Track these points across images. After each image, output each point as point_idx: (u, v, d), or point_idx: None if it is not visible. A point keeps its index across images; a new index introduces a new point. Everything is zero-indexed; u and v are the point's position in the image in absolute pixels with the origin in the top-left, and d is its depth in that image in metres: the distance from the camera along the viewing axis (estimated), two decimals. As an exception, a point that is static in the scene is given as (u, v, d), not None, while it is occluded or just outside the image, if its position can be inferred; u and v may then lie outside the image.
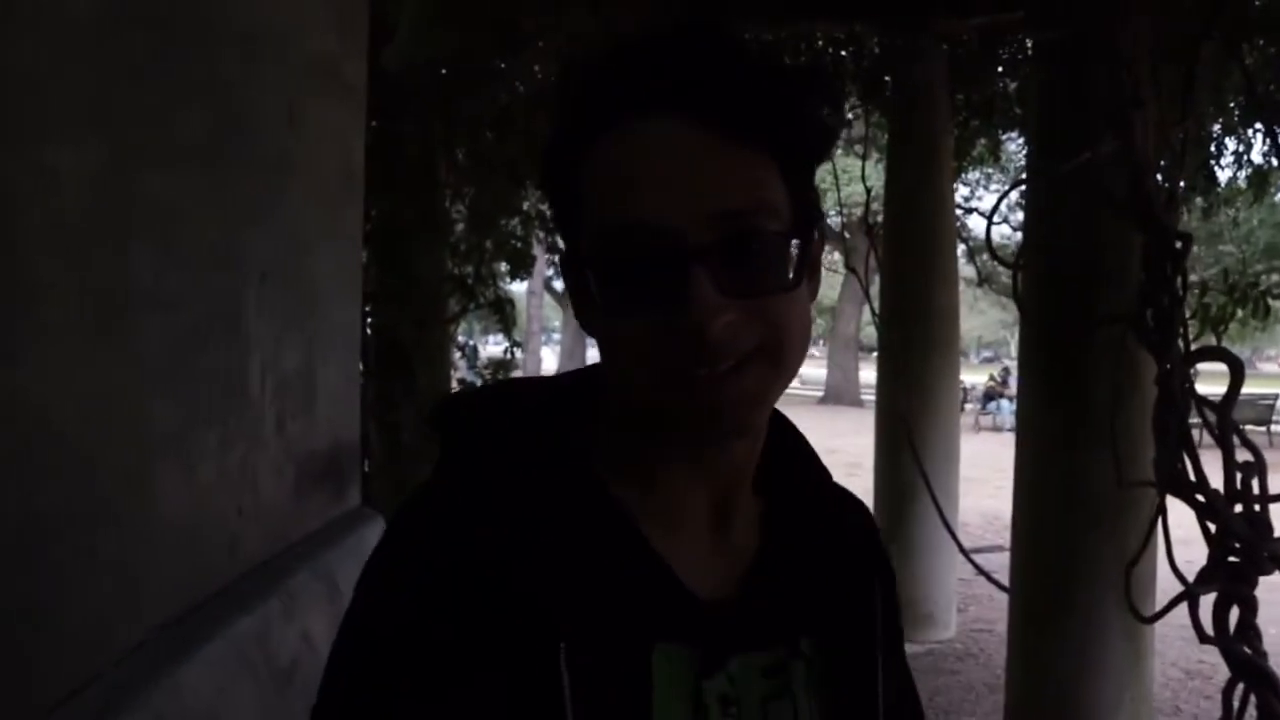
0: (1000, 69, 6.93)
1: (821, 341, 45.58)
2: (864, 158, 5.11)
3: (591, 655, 0.74)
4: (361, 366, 5.58)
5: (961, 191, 19.44)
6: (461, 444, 0.83)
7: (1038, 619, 3.78)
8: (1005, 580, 4.05)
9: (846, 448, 16.41)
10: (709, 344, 0.71)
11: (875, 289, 5.50)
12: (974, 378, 27.72)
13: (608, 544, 0.79)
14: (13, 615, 1.62)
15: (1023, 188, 4.24)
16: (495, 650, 0.73)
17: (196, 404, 2.37)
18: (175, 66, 2.21)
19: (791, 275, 0.76)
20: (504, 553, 0.75)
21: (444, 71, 5.19)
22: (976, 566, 3.94)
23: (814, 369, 44.82)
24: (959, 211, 17.02)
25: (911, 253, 6.38)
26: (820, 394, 31.78)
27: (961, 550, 4.10)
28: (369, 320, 5.63)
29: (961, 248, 17.94)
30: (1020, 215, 16.18)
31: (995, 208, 3.67)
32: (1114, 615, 3.55)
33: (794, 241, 0.76)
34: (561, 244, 0.86)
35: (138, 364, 2.05)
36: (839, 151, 15.68)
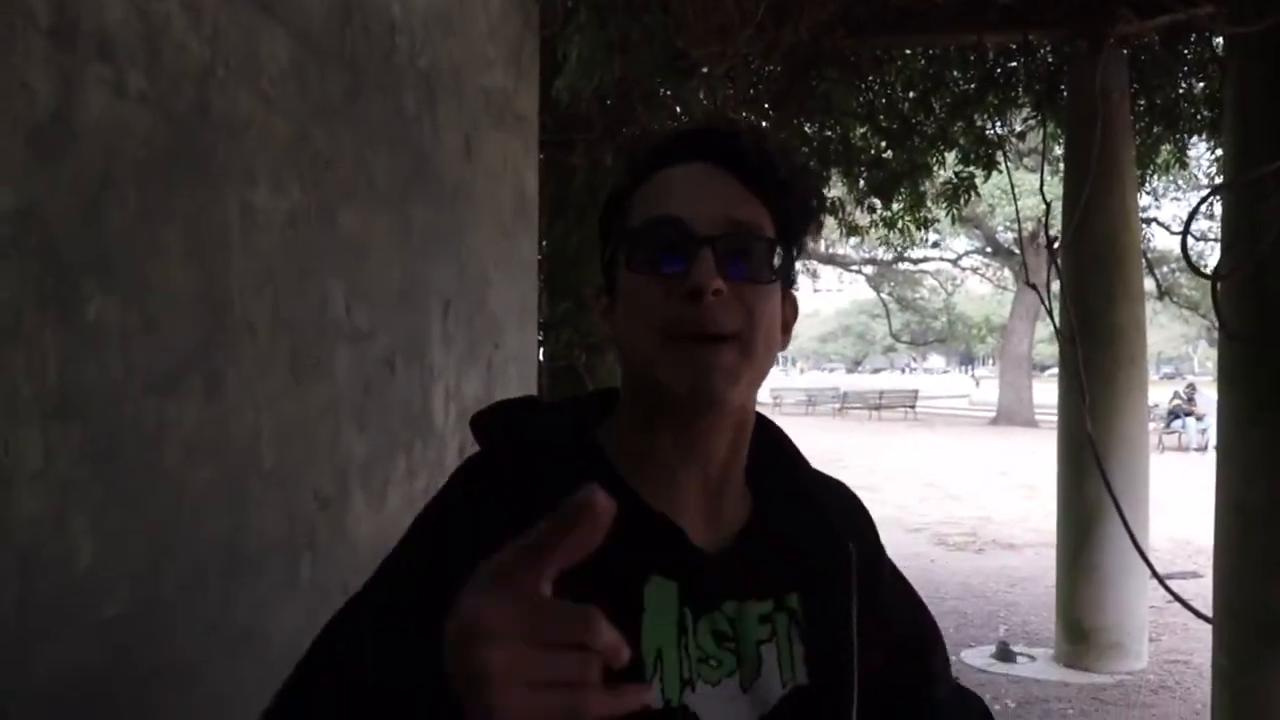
0: (1185, 70, 6.60)
1: (992, 361, 44.30)
2: (1041, 169, 4.92)
3: (587, 582, 0.83)
4: (536, 392, 5.70)
5: (1142, 201, 18.62)
6: (491, 435, 1.02)
7: (1246, 654, 3.52)
8: (1202, 608, 3.81)
9: (1019, 469, 15.88)
10: (705, 305, 0.91)
11: (1055, 306, 5.29)
12: (1156, 395, 26.45)
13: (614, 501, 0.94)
14: (228, 637, 1.70)
15: (1217, 196, 4.01)
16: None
17: (385, 433, 2.45)
18: (366, 108, 2.30)
19: (772, 274, 0.97)
20: (517, 499, 0.87)
21: (610, 101, 5.26)
22: (1172, 594, 3.71)
23: (976, 389, 43.67)
24: (1143, 222, 16.32)
25: (1093, 267, 6.09)
26: (992, 414, 30.85)
27: (1156, 576, 3.87)
28: (542, 347, 5.74)
29: (1142, 260, 17.21)
30: (1203, 224, 15.36)
31: (1191, 218, 3.48)
32: (1333, 651, 3.29)
33: (777, 249, 0.98)
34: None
35: (332, 394, 2.12)
36: (1012, 165, 15.26)
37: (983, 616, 7.48)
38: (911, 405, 34.03)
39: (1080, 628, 6.24)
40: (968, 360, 79.11)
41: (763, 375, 0.99)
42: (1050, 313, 4.27)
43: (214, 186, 1.63)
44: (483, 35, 3.33)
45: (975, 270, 33.08)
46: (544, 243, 5.38)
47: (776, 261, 0.98)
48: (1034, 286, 4.58)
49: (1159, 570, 8.15)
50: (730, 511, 1.02)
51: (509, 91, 3.65)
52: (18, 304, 1.19)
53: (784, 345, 1.03)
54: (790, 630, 1.01)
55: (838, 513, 1.10)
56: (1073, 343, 4.88)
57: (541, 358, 5.71)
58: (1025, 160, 16.26)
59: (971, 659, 6.44)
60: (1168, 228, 18.22)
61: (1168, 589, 3.93)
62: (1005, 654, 6.41)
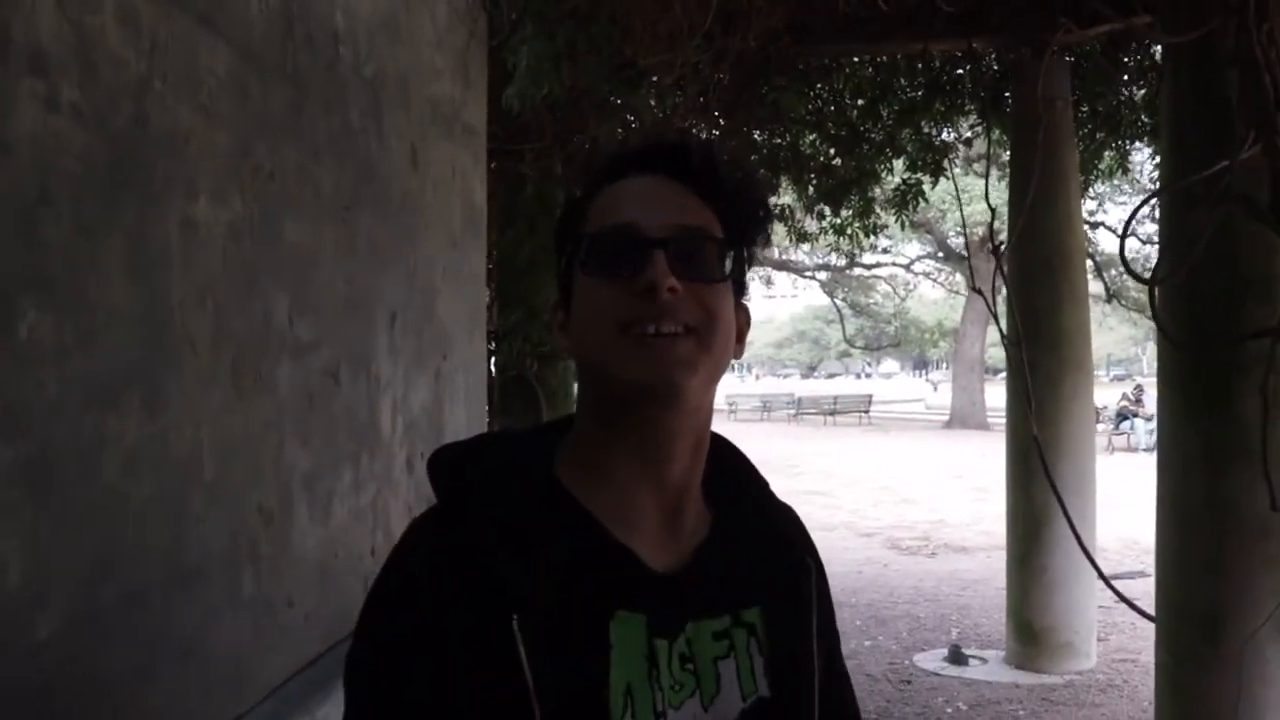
0: (1126, 77, 6.72)
1: (946, 365, 44.70)
2: (986, 175, 4.99)
3: (553, 624, 0.91)
4: (486, 403, 5.68)
5: (1088, 205, 18.89)
6: (447, 478, 1.03)
7: (1187, 651, 3.58)
8: (1148, 607, 3.88)
9: (973, 471, 16.05)
10: (659, 301, 0.96)
11: (1001, 310, 5.36)
12: (1106, 396, 26.83)
13: (572, 537, 0.97)
14: (168, 652, 1.68)
15: (1155, 201, 4.08)
16: (463, 622, 0.91)
17: (330, 445, 2.44)
18: (309, 119, 2.29)
19: (723, 272, 1.02)
20: (464, 551, 0.94)
21: (560, 110, 5.26)
22: (1118, 594, 3.77)
23: (934, 393, 44.06)
24: (1087, 227, 16.55)
25: (1038, 271, 6.17)
26: (945, 418, 31.14)
27: (1102, 577, 3.93)
28: (493, 357, 5.72)
29: (1089, 263, 17.44)
30: (1150, 228, 15.60)
31: (1129, 222, 3.54)
32: (1273, 648, 3.36)
33: (727, 250, 1.03)
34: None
35: (275, 407, 2.11)
36: (959, 170, 15.42)
37: (935, 620, 7.55)
38: (866, 410, 34.30)
39: (1030, 629, 6.33)
40: (921, 365, 79.84)
41: (720, 371, 1.02)
42: (995, 317, 4.32)
43: (153, 201, 1.62)
44: (430, 44, 3.32)
45: (927, 275, 33.41)
46: (494, 253, 5.37)
47: (728, 262, 1.03)
48: (980, 291, 4.64)
49: (1107, 570, 8.29)
50: (689, 526, 1.04)
51: (457, 101, 3.65)
52: (-53, 322, 1.17)
53: (739, 354, 1.07)
54: (749, 644, 1.03)
55: (791, 533, 1.16)
56: (1018, 346, 4.95)
57: (493, 367, 5.70)
58: (975, 166, 16.47)
59: (924, 662, 6.50)
60: (1115, 231, 18.51)
61: (1113, 589, 3.99)
62: (957, 657, 6.48)
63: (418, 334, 3.11)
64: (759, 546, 1.09)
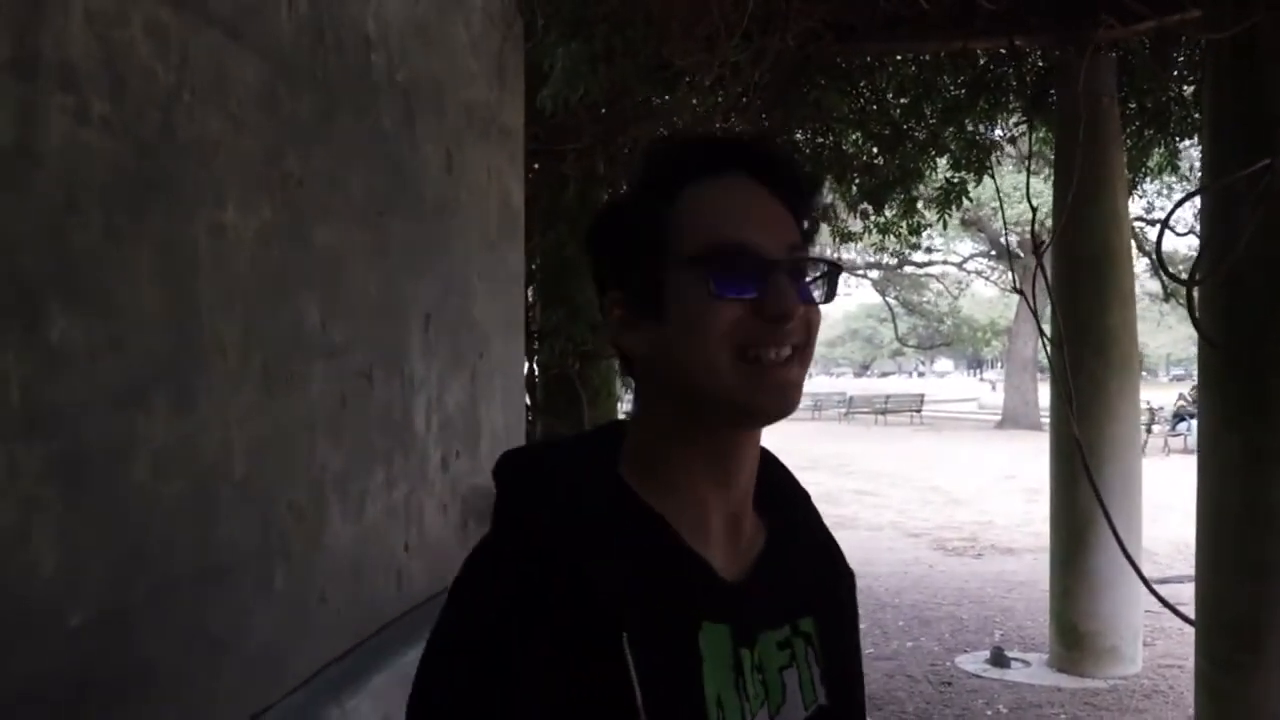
0: (1175, 74, 6.62)
1: (999, 365, 44.19)
2: (1027, 174, 4.96)
3: (649, 638, 0.91)
4: (529, 402, 5.73)
5: (1142, 203, 18.60)
6: (514, 493, 1.02)
7: (1225, 655, 3.55)
8: (1193, 613, 3.84)
9: (1025, 473, 15.88)
10: (786, 329, 0.96)
11: (1047, 310, 5.32)
12: (1164, 397, 26.38)
13: (653, 548, 0.97)
14: (200, 645, 1.74)
15: (1198, 199, 4.03)
16: (569, 645, 0.89)
17: (363, 444, 2.49)
18: (340, 126, 2.35)
19: (830, 296, 1.03)
20: (563, 576, 0.91)
21: (602, 110, 5.30)
22: (1158, 597, 3.73)
23: (992, 392, 43.58)
24: (1140, 225, 16.30)
25: (1083, 271, 6.12)
26: (998, 418, 30.82)
27: (1142, 579, 3.89)
28: (536, 357, 5.77)
29: (1145, 262, 17.13)
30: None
31: (1165, 222, 3.51)
32: (1314, 653, 3.32)
33: (831, 270, 1.04)
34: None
35: (307, 407, 2.17)
36: (1010, 168, 15.25)
37: (978, 621, 7.50)
38: (918, 409, 34.02)
39: (1074, 632, 6.27)
40: (976, 364, 79.00)
41: None
42: (1037, 317, 4.30)
43: (182, 208, 1.68)
44: (464, 49, 3.37)
45: (980, 274, 33.08)
46: (538, 253, 5.42)
47: (832, 282, 1.03)
48: (1020, 292, 4.61)
49: (1155, 574, 8.19)
50: (748, 536, 1.05)
51: (493, 104, 3.69)
52: (-22, 326, 1.23)
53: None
54: (807, 654, 1.05)
55: (831, 544, 1.17)
56: (1060, 347, 4.91)
57: (536, 366, 5.76)
58: (1028, 163, 16.28)
59: (966, 664, 6.46)
60: (1173, 229, 18.21)
61: (1154, 593, 3.96)
62: (999, 659, 6.44)
63: (453, 334, 3.16)
64: (808, 556, 1.11)
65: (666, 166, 1.04)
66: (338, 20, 2.32)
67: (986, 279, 33.65)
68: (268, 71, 1.97)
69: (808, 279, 1.01)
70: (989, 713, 5.64)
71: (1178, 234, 18.09)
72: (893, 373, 79.54)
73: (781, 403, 0.97)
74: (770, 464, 1.13)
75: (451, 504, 3.07)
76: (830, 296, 1.03)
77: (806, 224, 1.05)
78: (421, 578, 2.76)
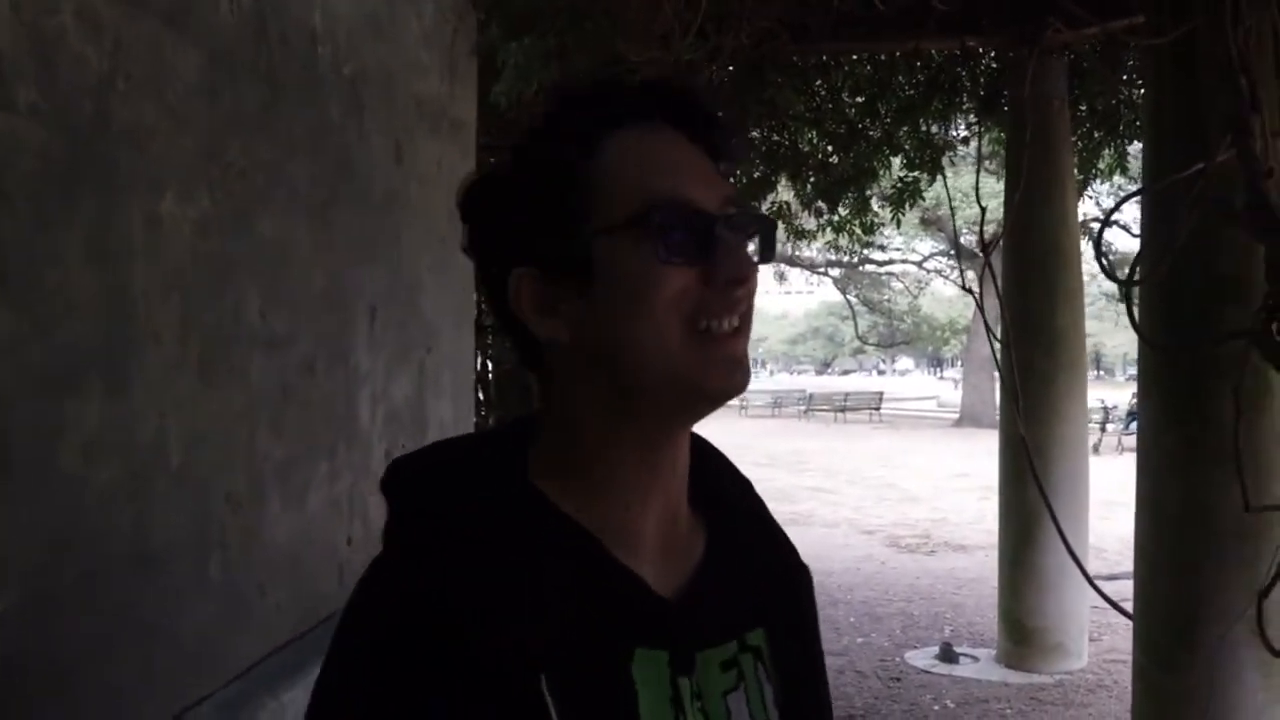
0: (1125, 77, 6.72)
1: (958, 363, 44.60)
2: (977, 174, 5.03)
3: (573, 674, 0.79)
4: (481, 397, 5.74)
5: (1097, 206, 18.83)
6: (408, 506, 0.88)
7: (1162, 650, 3.61)
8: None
9: (980, 470, 16.03)
10: (738, 293, 0.84)
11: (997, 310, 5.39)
12: (1120, 396, 26.73)
13: (575, 567, 0.83)
14: (131, 632, 1.74)
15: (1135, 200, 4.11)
16: (473, 693, 0.77)
17: (306, 436, 2.49)
18: (284, 117, 2.35)
19: (773, 254, 0.92)
20: (465, 604, 0.79)
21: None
22: (1100, 593, 3.81)
23: (953, 391, 43.93)
24: (1095, 225, 16.50)
25: (1031, 271, 6.19)
26: (956, 416, 31.10)
27: (1086, 577, 3.98)
28: (490, 353, 5.77)
29: (1104, 263, 17.37)
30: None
31: (1104, 223, 3.58)
32: (1246, 649, 3.37)
33: (774, 230, 0.92)
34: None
35: (247, 398, 2.17)
36: (967, 168, 15.39)
37: (929, 618, 7.58)
38: (877, 407, 34.25)
39: (1022, 628, 6.35)
40: (937, 362, 79.66)
41: None
42: (984, 316, 4.36)
43: (115, 196, 1.68)
44: (416, 42, 3.38)
45: (939, 272, 33.36)
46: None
47: (771, 240, 0.91)
48: (970, 291, 4.68)
49: (1104, 571, 8.29)
50: (685, 544, 0.92)
51: (444, 97, 3.70)
52: (-102, 312, 1.23)
53: None
54: (757, 671, 0.92)
55: (782, 541, 1.03)
56: (1008, 347, 4.98)
57: (489, 361, 5.76)
58: (986, 164, 16.46)
59: (915, 660, 6.53)
60: (1128, 230, 18.46)
61: (1096, 589, 4.04)
62: (948, 655, 6.51)
63: (400, 327, 3.16)
64: (755, 557, 0.97)
65: (582, 114, 0.88)
66: (281, 13, 2.32)
67: (946, 278, 33.94)
68: (206, 62, 1.97)
69: (757, 237, 0.89)
70: (936, 708, 5.71)
71: (1132, 234, 18.36)
72: (854, 370, 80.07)
73: (738, 379, 0.85)
74: (705, 453, 0.99)
75: (397, 496, 3.07)
76: (770, 256, 0.91)
77: (730, 171, 0.94)
78: (364, 571, 2.77)
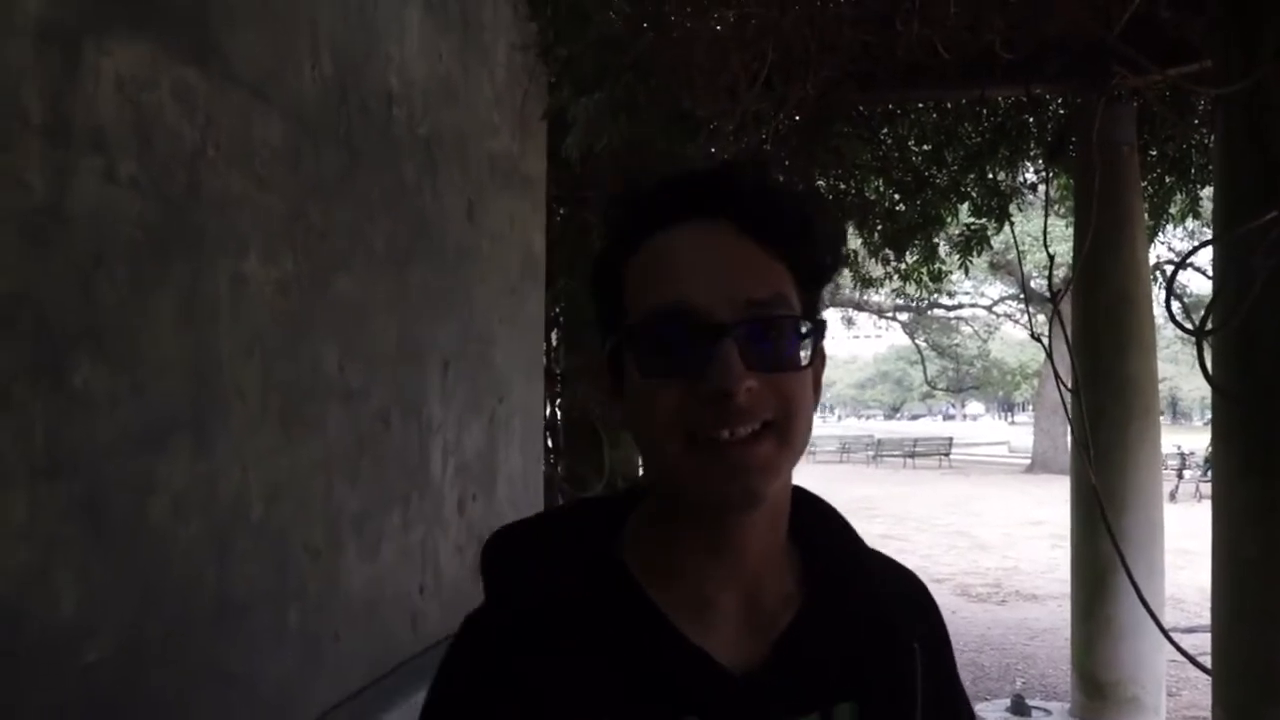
0: (1195, 122, 6.66)
1: (1030, 408, 43.93)
2: (1045, 221, 5.00)
3: None
4: (550, 445, 5.79)
5: (1170, 250, 18.53)
6: (501, 576, 0.94)
7: (1242, 704, 3.54)
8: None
9: (1052, 518, 15.74)
10: (734, 406, 0.81)
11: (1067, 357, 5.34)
12: (1197, 441, 26.10)
13: (637, 641, 0.87)
14: (211, 678, 1.80)
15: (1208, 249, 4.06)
16: None
17: (380, 486, 2.56)
18: (363, 180, 2.43)
19: (803, 358, 0.86)
20: (538, 664, 0.84)
21: (622, 158, 5.39)
22: (1176, 646, 3.72)
23: (1022, 436, 43.27)
24: (1169, 268, 16.22)
25: (1101, 318, 6.14)
26: (1027, 462, 30.59)
27: (1161, 629, 3.89)
28: (558, 400, 5.83)
29: (1177, 306, 17.05)
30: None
31: (1175, 271, 3.54)
32: (1331, 704, 3.30)
33: (806, 327, 0.87)
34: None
35: (324, 450, 2.24)
36: (1036, 212, 15.24)
37: (1000, 669, 7.45)
38: (946, 453, 33.81)
39: (1096, 681, 6.21)
40: (1007, 407, 78.44)
41: (800, 455, 0.88)
42: (1053, 363, 4.32)
43: (204, 260, 1.76)
44: (488, 102, 3.48)
45: (1009, 316, 32.96)
46: (561, 298, 5.50)
47: (808, 342, 0.87)
48: (1038, 338, 4.64)
49: (1182, 623, 8.09)
50: (770, 608, 0.92)
51: (515, 154, 3.79)
52: (8, 376, 1.31)
53: (817, 402, 0.92)
54: None
55: (901, 603, 1.00)
56: (1078, 394, 4.92)
57: (559, 409, 5.82)
58: (1056, 208, 16.30)
59: (987, 712, 6.42)
60: (1204, 272, 18.13)
61: (1172, 641, 3.95)
62: (1020, 708, 6.39)
63: (472, 379, 3.23)
64: (855, 627, 0.93)
65: (627, 215, 0.91)
66: (360, 79, 2.41)
67: (1016, 322, 33.51)
68: (291, 129, 2.06)
69: (779, 339, 0.85)
70: (1009, 761, 5.60)
71: (1207, 276, 18.02)
72: (923, 415, 79.12)
73: (737, 488, 0.83)
74: (811, 509, 0.99)
75: (467, 546, 3.12)
76: (806, 358, 0.86)
77: (805, 259, 0.89)
78: (436, 619, 2.82)
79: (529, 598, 0.88)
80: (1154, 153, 6.82)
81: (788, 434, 0.85)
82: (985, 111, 6.68)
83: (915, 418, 76.83)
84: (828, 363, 0.96)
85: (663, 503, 0.91)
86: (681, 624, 0.88)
